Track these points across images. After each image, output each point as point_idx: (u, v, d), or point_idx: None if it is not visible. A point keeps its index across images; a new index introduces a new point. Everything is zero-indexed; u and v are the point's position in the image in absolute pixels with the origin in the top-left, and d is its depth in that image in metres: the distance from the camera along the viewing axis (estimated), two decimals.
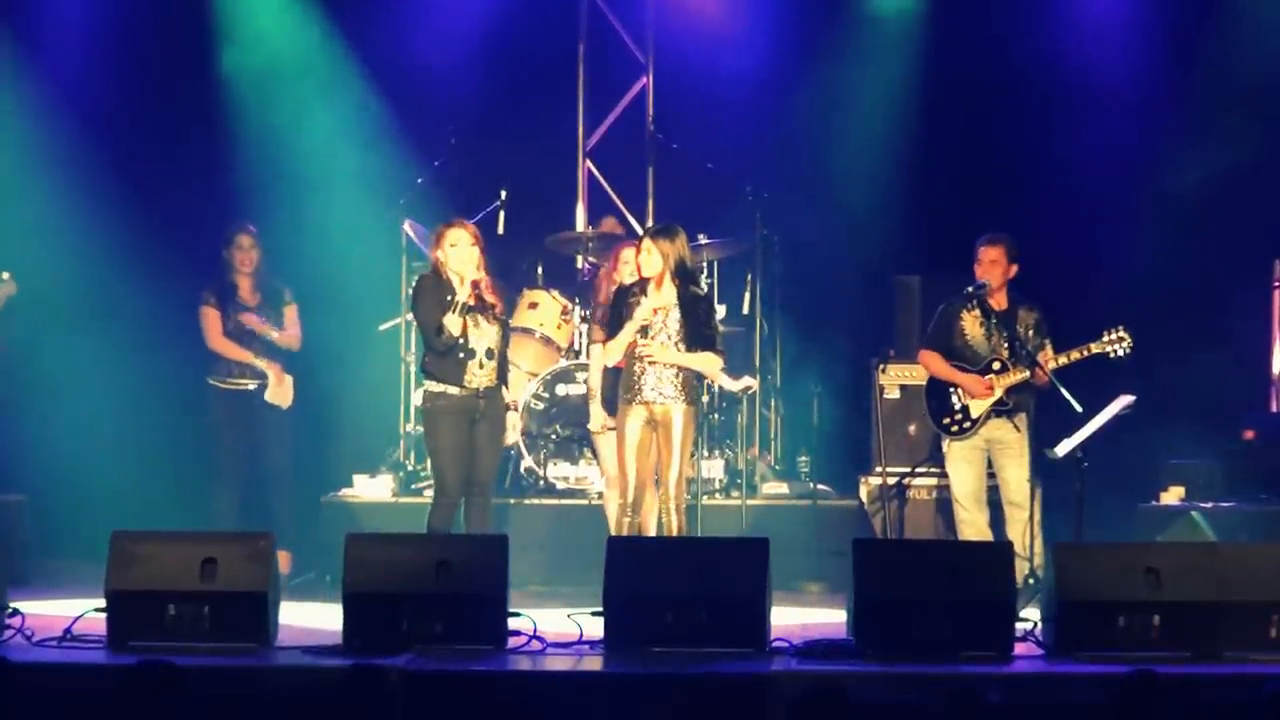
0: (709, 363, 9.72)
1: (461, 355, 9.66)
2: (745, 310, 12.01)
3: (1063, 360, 10.23)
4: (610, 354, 9.72)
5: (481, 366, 9.71)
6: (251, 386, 11.10)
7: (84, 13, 12.27)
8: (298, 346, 11.24)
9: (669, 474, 9.55)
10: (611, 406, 9.89)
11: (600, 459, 10.47)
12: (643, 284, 9.68)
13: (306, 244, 12.05)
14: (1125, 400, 10.00)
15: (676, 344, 9.60)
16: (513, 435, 10.27)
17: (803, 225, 12.26)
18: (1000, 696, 7.26)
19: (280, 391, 11.10)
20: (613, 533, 10.02)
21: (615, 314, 9.70)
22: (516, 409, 10.42)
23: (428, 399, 9.77)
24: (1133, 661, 7.74)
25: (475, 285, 9.66)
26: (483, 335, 9.71)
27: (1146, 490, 11.12)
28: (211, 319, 11.10)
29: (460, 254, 9.67)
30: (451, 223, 9.83)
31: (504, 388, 9.86)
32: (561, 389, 11.42)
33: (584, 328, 11.38)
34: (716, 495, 11.49)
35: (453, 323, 9.59)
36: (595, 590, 8.48)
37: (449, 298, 9.61)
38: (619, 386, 9.73)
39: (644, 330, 9.58)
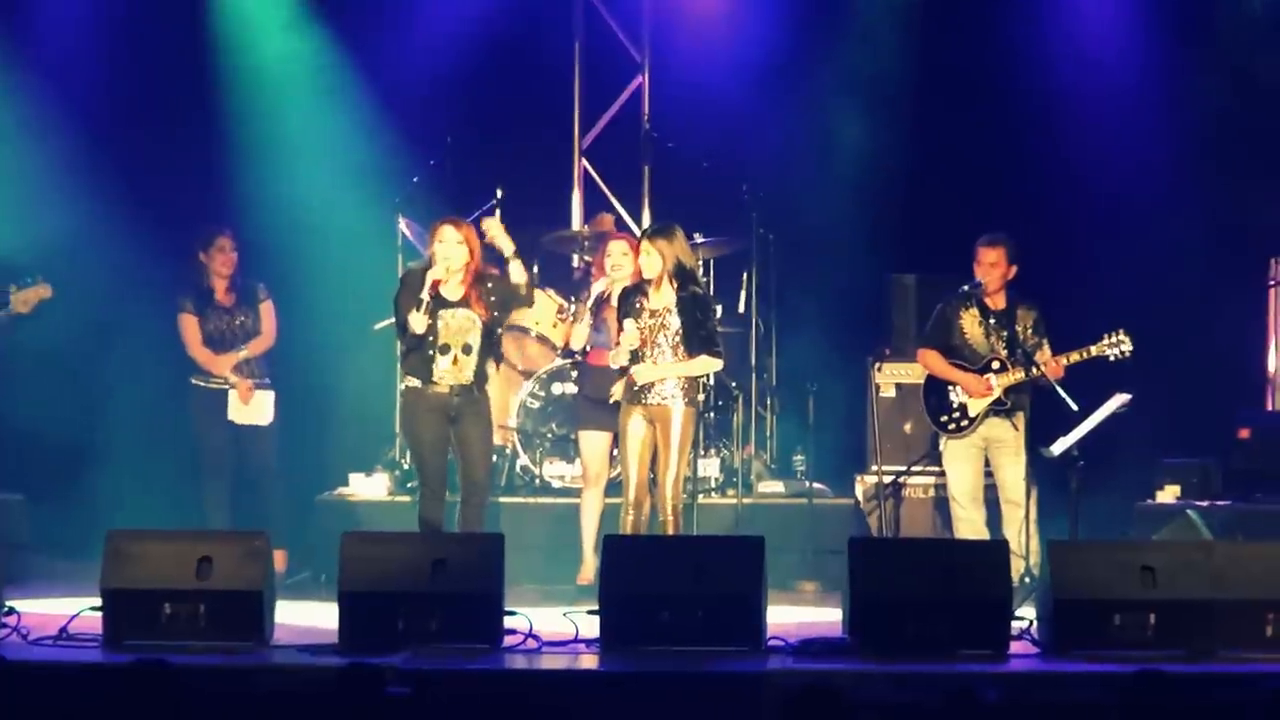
0: (706, 367, 9.73)
1: (430, 351, 9.62)
2: (741, 309, 11.99)
3: (1062, 361, 10.24)
4: (614, 361, 9.73)
5: (455, 363, 9.63)
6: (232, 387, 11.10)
7: (82, 12, 12.24)
8: (272, 342, 11.21)
9: (666, 474, 9.55)
10: (618, 406, 9.88)
11: (582, 455, 10.49)
12: (644, 286, 9.69)
13: (302, 242, 12.04)
14: (1121, 399, 10.00)
15: (675, 346, 9.61)
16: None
17: (799, 224, 12.22)
18: (996, 695, 7.25)
19: (249, 410, 11.04)
20: (585, 528, 10.24)
21: (621, 315, 9.70)
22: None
23: (403, 394, 9.89)
24: (1128, 660, 7.75)
25: (468, 278, 9.60)
26: (455, 332, 9.63)
27: (1142, 489, 11.10)
28: (190, 326, 11.07)
29: (442, 251, 9.61)
30: (444, 219, 9.80)
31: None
32: (557, 388, 11.40)
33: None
34: (712, 494, 11.47)
35: (415, 320, 9.53)
36: (591, 589, 8.48)
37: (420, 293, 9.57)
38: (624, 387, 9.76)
39: (635, 352, 9.60)
